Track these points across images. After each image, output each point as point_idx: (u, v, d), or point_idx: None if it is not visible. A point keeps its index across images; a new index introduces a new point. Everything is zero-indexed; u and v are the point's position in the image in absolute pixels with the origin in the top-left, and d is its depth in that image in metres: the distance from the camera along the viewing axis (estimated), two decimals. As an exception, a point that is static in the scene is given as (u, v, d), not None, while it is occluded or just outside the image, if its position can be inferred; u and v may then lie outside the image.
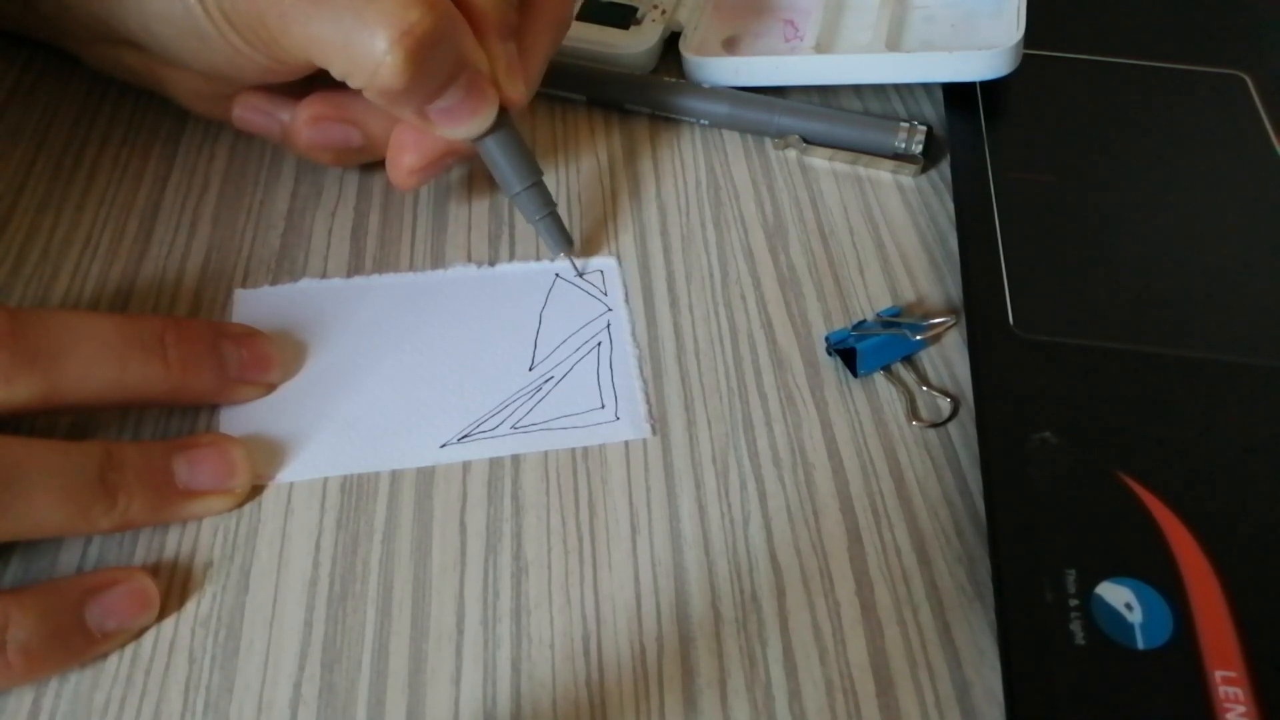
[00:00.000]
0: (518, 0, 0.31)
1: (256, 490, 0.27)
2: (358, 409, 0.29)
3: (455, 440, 0.29)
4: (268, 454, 0.28)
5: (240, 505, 0.27)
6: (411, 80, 0.27)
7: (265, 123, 0.33)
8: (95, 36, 0.33)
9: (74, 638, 0.24)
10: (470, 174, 0.36)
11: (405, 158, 0.31)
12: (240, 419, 0.29)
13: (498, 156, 0.31)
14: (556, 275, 0.33)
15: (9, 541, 0.26)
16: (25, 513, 0.24)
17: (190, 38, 0.28)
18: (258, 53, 0.28)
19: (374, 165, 0.36)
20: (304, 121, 0.32)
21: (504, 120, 0.31)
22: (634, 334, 0.31)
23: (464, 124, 0.29)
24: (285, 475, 0.28)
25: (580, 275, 0.32)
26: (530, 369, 0.30)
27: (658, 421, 0.29)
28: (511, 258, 0.33)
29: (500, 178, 0.32)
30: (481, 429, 0.29)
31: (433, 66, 0.27)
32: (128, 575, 0.25)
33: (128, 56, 0.33)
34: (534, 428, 0.29)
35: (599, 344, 0.31)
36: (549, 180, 0.36)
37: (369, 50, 0.26)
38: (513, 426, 0.29)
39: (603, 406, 0.30)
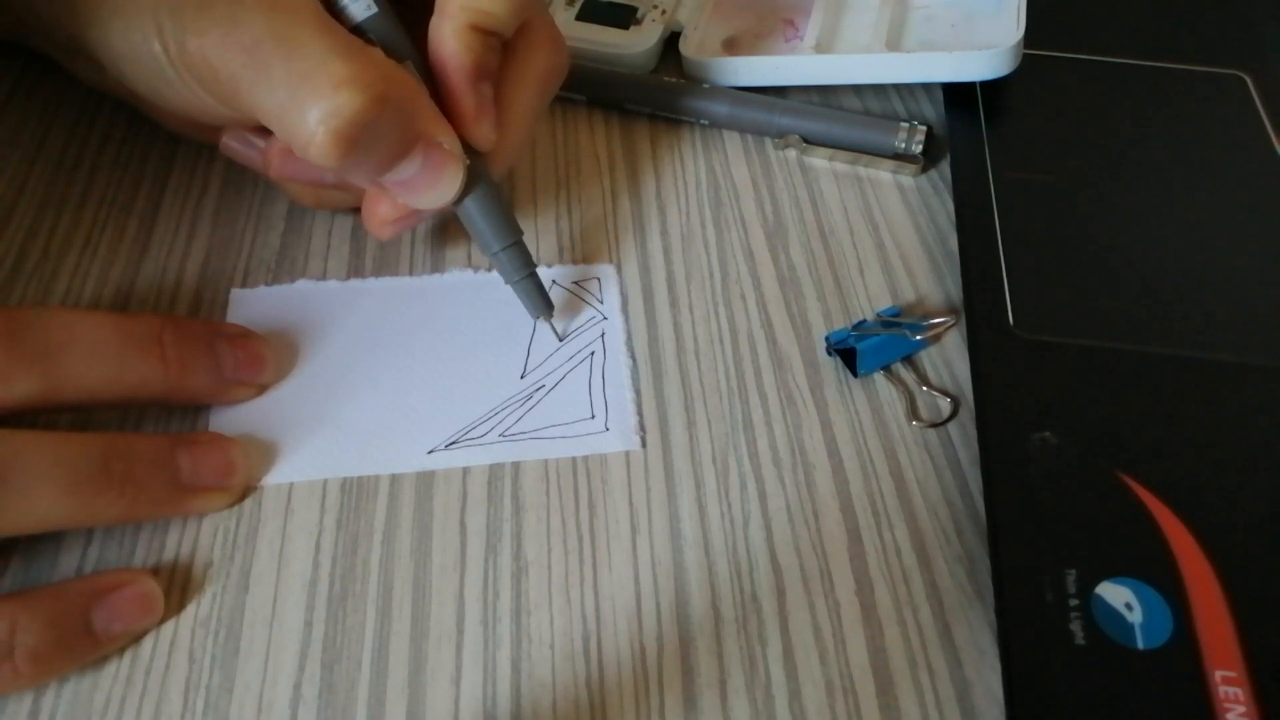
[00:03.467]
0: (499, 44, 0.29)
1: (244, 492, 0.27)
2: (347, 413, 0.29)
3: (443, 446, 0.29)
4: (255, 456, 0.28)
5: (234, 504, 0.27)
6: (346, 158, 0.26)
7: (247, 152, 0.32)
8: (77, 53, 0.33)
9: (80, 642, 0.24)
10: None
11: (380, 207, 0.30)
12: (229, 420, 0.29)
13: (473, 217, 0.29)
14: (553, 282, 0.33)
15: (12, 537, 0.26)
16: (29, 506, 0.23)
17: (156, 79, 0.28)
18: (219, 104, 0.28)
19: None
20: (276, 151, 0.31)
21: (477, 179, 0.29)
22: (629, 343, 0.31)
23: (424, 195, 0.28)
24: (271, 478, 0.28)
25: (561, 340, 0.31)
26: (522, 376, 0.30)
27: (647, 433, 0.29)
28: (511, 258, 0.33)
29: (476, 237, 0.30)
30: (470, 436, 0.29)
31: (372, 144, 0.26)
32: (132, 578, 0.25)
33: (109, 78, 0.32)
34: (523, 436, 0.29)
35: (592, 353, 0.31)
36: (549, 182, 0.36)
37: (300, 126, 0.25)
38: (501, 434, 0.29)
39: (592, 417, 0.29)
